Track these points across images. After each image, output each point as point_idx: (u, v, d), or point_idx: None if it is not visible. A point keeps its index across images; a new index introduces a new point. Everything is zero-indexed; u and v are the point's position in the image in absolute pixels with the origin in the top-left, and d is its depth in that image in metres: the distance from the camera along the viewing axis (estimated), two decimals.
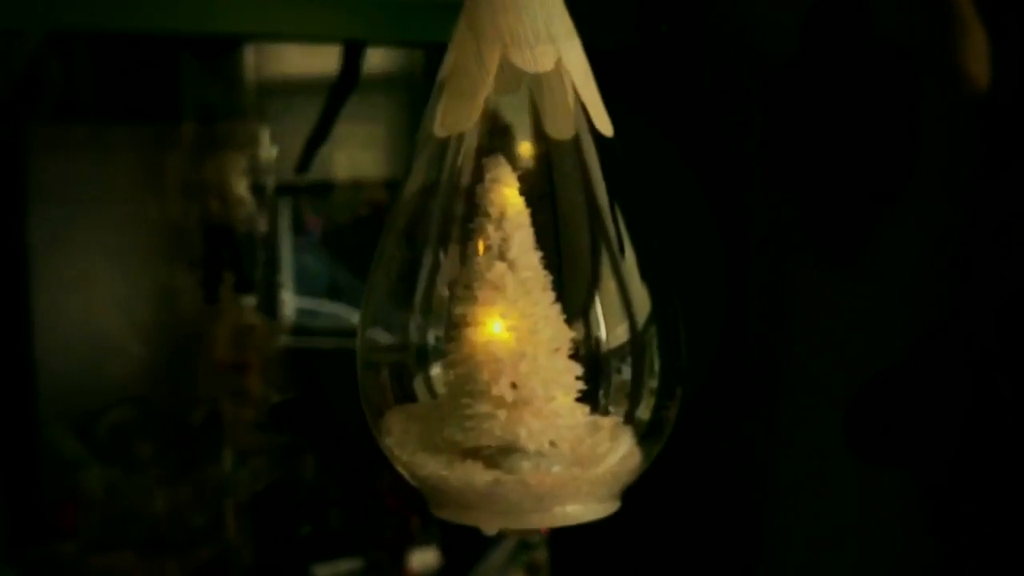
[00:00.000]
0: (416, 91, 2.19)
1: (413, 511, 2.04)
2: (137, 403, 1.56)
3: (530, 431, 0.55)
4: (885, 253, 0.95)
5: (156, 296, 1.64)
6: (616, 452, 0.56)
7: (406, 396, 0.59)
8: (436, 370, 0.59)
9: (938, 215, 0.92)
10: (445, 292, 0.59)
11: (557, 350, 0.56)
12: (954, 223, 0.91)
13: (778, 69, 1.04)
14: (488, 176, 0.57)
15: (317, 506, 1.71)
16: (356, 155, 2.17)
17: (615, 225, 0.57)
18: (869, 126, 0.96)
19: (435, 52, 0.61)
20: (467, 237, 0.58)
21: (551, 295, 0.56)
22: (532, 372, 0.55)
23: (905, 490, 0.91)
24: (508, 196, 0.57)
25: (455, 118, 0.56)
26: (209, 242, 1.67)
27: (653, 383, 0.56)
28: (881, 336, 0.94)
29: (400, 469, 0.58)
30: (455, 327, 0.57)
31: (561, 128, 0.59)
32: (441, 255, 0.59)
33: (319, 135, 1.48)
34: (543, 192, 0.57)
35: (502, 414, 0.55)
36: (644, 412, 0.57)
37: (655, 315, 0.56)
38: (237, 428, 1.60)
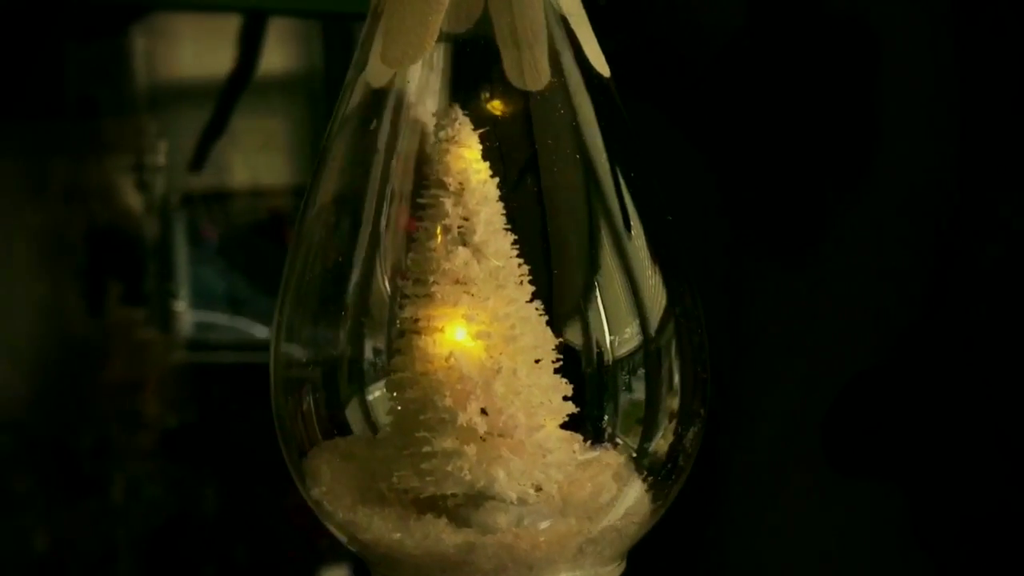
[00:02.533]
0: (317, 92, 2.02)
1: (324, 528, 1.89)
2: (12, 429, 1.37)
3: (510, 473, 0.40)
4: (847, 250, 0.83)
5: (35, 310, 1.46)
6: (624, 499, 0.41)
7: (336, 429, 0.44)
8: (376, 393, 0.44)
9: (906, 207, 0.79)
10: (386, 289, 0.43)
11: (539, 362, 0.41)
12: (924, 215, 0.78)
13: (724, 48, 0.91)
14: (442, 135, 0.42)
15: (221, 542, 1.54)
16: (255, 159, 2.01)
17: (618, 195, 0.41)
18: (825, 110, 0.84)
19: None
20: (416, 216, 0.42)
21: (528, 290, 0.41)
22: (511, 393, 0.40)
23: (889, 502, 0.79)
24: (470, 161, 0.42)
25: (399, 50, 0.41)
26: (94, 250, 1.50)
27: (673, 403, 0.41)
28: (854, 340, 0.81)
29: (334, 530, 0.42)
30: (402, 335, 0.42)
31: (532, 74, 0.44)
32: (380, 240, 0.44)
33: (214, 129, 1.31)
34: (522, 160, 0.42)
35: (471, 451, 0.40)
36: (661, 443, 0.41)
37: (672, 311, 0.41)
38: (129, 455, 1.42)
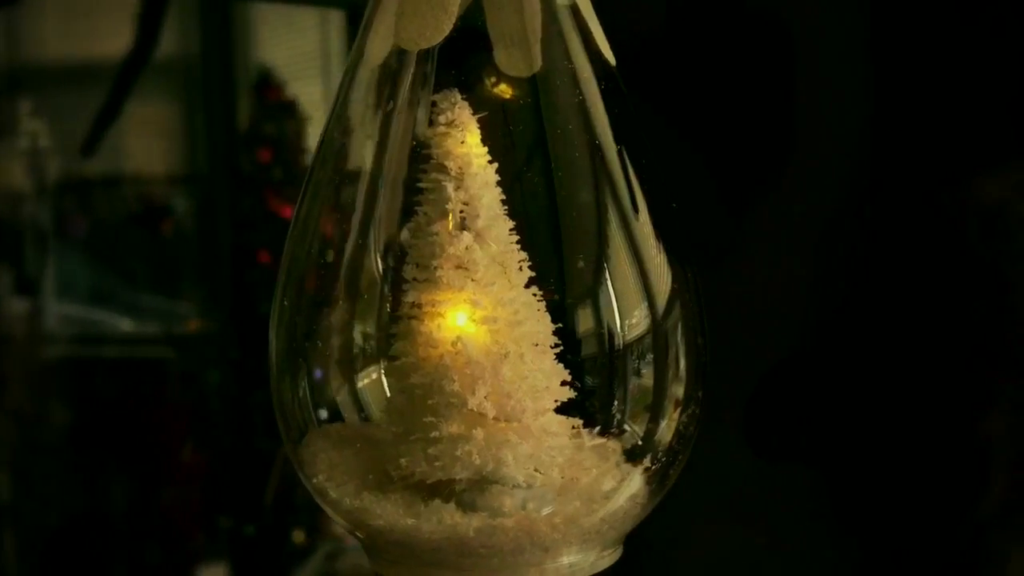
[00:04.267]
0: (195, 77, 1.97)
1: (199, 524, 1.86)
2: None
3: (517, 457, 0.39)
4: (766, 243, 0.84)
5: None
6: (630, 483, 0.41)
7: (330, 415, 0.43)
8: (368, 379, 0.43)
9: (824, 202, 0.82)
10: (379, 273, 0.43)
11: (537, 346, 0.41)
12: (841, 209, 0.81)
13: (642, 47, 0.92)
14: (442, 119, 0.41)
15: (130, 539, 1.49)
16: (129, 145, 1.94)
17: (625, 177, 0.41)
18: (743, 108, 0.85)
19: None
20: (415, 200, 0.41)
21: (527, 276, 0.41)
22: (518, 377, 0.39)
23: (811, 486, 0.81)
24: (470, 145, 0.41)
25: (416, 31, 0.40)
26: None
27: (678, 389, 0.41)
28: (774, 328, 0.83)
29: (338, 517, 0.41)
30: (403, 320, 0.41)
31: (523, 61, 0.43)
32: (375, 222, 0.43)
33: (109, 112, 1.26)
34: (529, 144, 0.41)
35: (479, 435, 0.39)
36: (666, 431, 0.41)
37: (678, 293, 0.41)
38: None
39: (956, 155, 0.69)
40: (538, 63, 0.43)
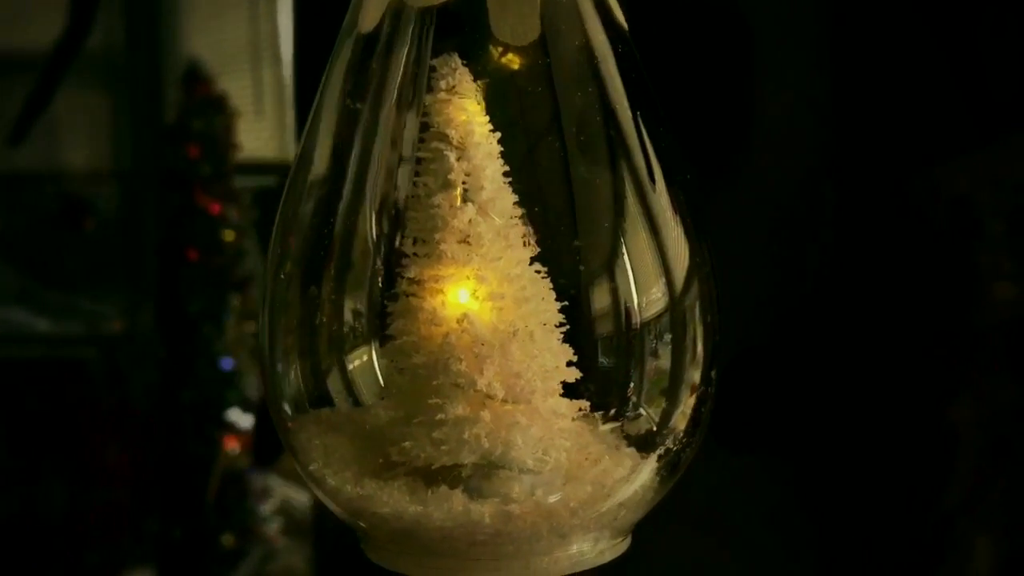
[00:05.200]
0: (119, 72, 1.92)
1: (126, 528, 1.82)
2: None
3: (527, 440, 0.37)
4: (729, 233, 0.83)
5: None
6: (643, 471, 0.39)
7: (321, 398, 0.40)
8: (360, 360, 0.40)
9: (787, 188, 0.81)
10: (370, 247, 0.40)
11: (545, 325, 0.38)
12: (806, 195, 0.80)
13: None
14: (442, 84, 0.39)
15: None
16: (51, 140, 1.88)
17: (642, 147, 0.39)
18: (702, 103, 0.84)
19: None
20: (414, 172, 0.39)
21: (531, 251, 0.39)
22: (527, 357, 0.37)
23: (774, 475, 0.80)
24: (472, 113, 0.39)
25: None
26: None
27: (695, 373, 0.39)
28: (739, 317, 0.82)
29: (336, 505, 0.38)
30: (402, 297, 0.39)
31: (520, 28, 0.41)
32: (367, 194, 0.40)
33: (38, 101, 1.21)
34: (542, 115, 0.39)
35: (487, 417, 0.37)
36: (681, 416, 0.39)
37: (695, 269, 0.39)
38: None
39: (924, 144, 0.69)
40: (536, 31, 0.41)
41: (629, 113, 0.38)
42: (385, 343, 0.40)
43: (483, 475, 0.37)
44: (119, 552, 1.86)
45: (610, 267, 0.38)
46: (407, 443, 0.37)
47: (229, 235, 1.84)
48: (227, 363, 1.83)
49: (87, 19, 1.15)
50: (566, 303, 0.38)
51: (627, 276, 0.38)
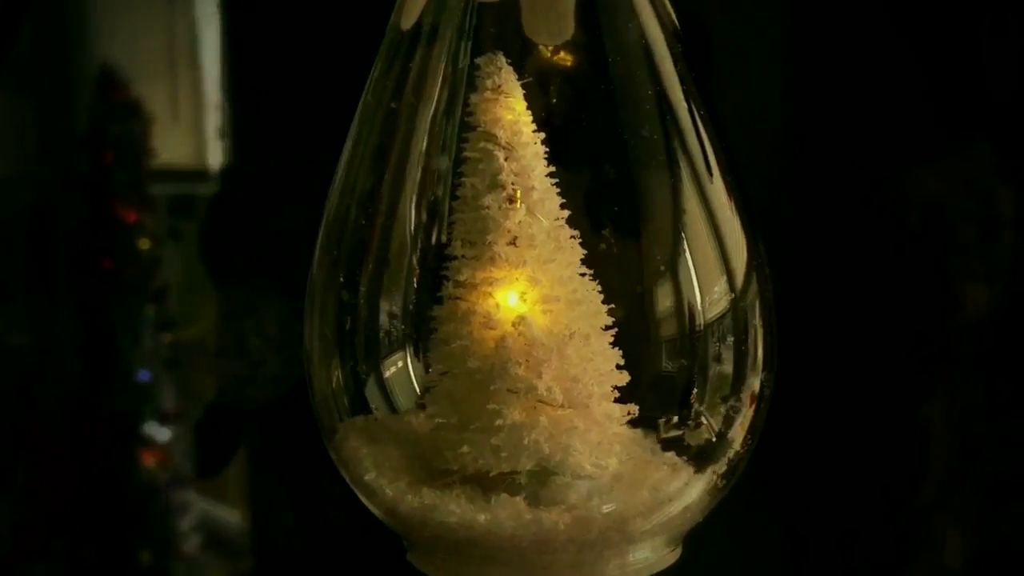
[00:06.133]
0: (27, 73, 1.85)
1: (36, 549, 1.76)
2: None
3: (584, 445, 0.36)
4: None
5: None
6: (702, 478, 0.38)
7: (360, 406, 0.39)
8: (395, 367, 0.39)
9: (757, 187, 0.81)
10: (406, 248, 0.39)
11: (599, 328, 0.38)
12: (778, 195, 0.80)
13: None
14: (488, 84, 0.38)
15: None
16: None
17: (698, 138, 0.38)
18: None
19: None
20: (457, 171, 0.38)
21: (580, 253, 0.38)
22: (583, 360, 0.36)
23: (746, 473, 0.80)
24: (519, 113, 0.38)
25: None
26: None
27: (755, 380, 0.38)
28: None
29: (389, 518, 0.37)
30: (449, 300, 0.37)
31: (555, 27, 0.40)
32: (410, 194, 0.39)
33: None
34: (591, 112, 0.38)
35: (545, 422, 0.36)
36: (740, 427, 0.38)
37: (755, 269, 0.38)
38: None
39: (897, 149, 0.70)
40: (571, 30, 0.40)
41: (685, 105, 0.38)
42: (427, 348, 0.39)
43: (539, 482, 0.36)
44: (30, 574, 1.80)
45: (672, 265, 0.37)
46: (464, 449, 0.36)
47: (145, 244, 1.79)
48: (143, 375, 1.79)
49: (13, 30, 1.11)
50: (612, 306, 0.38)
51: (690, 274, 0.37)
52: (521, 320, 0.36)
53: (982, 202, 0.68)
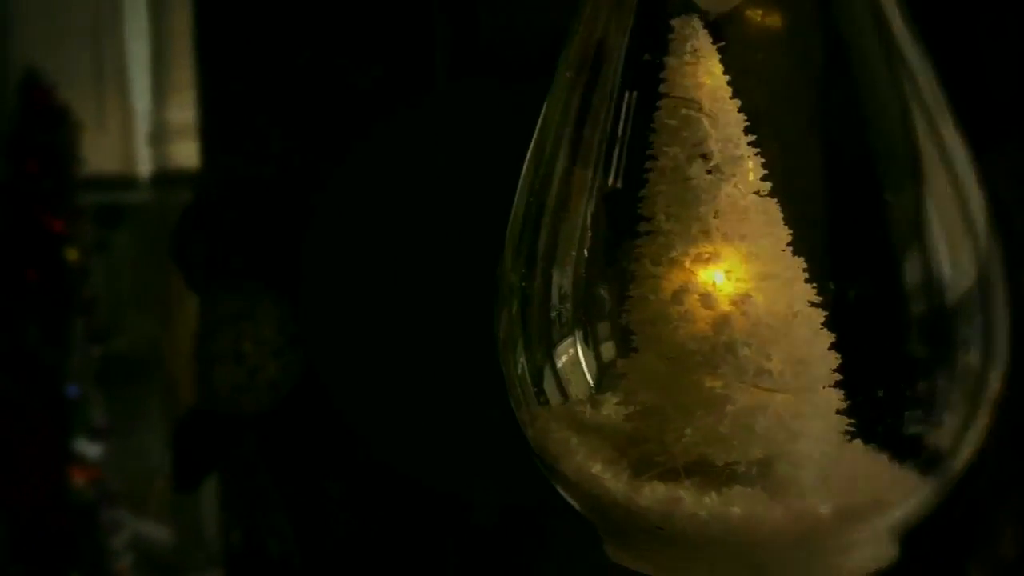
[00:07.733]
0: None
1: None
2: None
3: (814, 432, 0.33)
4: None
5: None
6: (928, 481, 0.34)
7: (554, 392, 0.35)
8: (565, 357, 0.36)
9: None
10: (589, 226, 0.35)
11: (814, 307, 0.34)
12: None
13: (522, 42, 0.87)
14: (687, 47, 0.35)
15: None
16: None
17: (935, 98, 0.34)
18: None
19: None
20: (660, 140, 0.35)
21: (787, 230, 0.35)
22: (808, 341, 0.33)
23: None
24: (718, 78, 0.35)
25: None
26: None
27: (999, 365, 0.35)
28: None
29: (609, 511, 0.33)
30: (649, 278, 0.34)
31: None
32: (598, 165, 0.36)
33: None
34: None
35: (773, 407, 0.33)
36: (983, 414, 0.35)
37: (996, 239, 0.34)
38: None
39: None
40: None
41: (917, 56, 0.34)
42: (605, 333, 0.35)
43: (762, 471, 0.33)
44: None
45: (918, 233, 0.33)
46: (687, 435, 0.32)
47: (72, 254, 1.70)
48: (72, 390, 1.70)
49: None
50: (814, 285, 0.35)
51: (935, 244, 0.33)
52: (745, 298, 0.33)
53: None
